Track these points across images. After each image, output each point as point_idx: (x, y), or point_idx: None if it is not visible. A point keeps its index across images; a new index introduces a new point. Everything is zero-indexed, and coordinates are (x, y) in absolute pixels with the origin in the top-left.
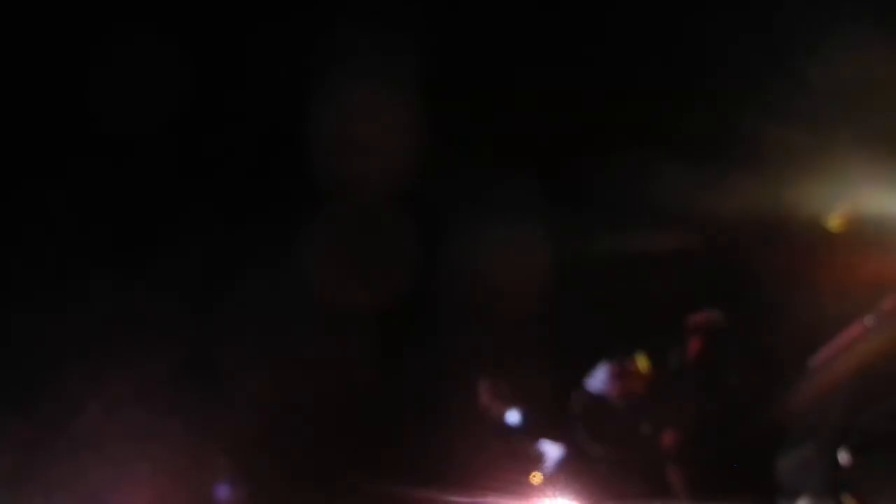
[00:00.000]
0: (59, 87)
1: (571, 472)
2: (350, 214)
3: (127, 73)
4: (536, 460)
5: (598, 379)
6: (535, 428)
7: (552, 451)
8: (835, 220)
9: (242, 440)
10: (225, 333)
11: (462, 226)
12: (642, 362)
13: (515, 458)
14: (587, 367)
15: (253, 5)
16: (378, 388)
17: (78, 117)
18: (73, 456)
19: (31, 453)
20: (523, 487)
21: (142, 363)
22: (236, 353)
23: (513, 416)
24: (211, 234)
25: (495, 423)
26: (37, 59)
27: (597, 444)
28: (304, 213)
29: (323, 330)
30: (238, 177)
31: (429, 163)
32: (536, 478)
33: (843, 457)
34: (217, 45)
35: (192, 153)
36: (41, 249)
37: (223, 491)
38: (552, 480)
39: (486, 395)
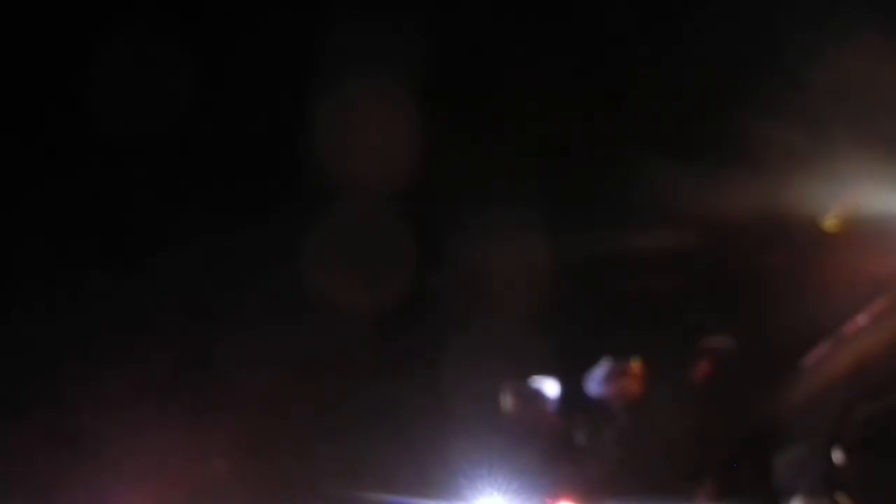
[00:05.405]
0: (58, 86)
1: (569, 472)
2: (351, 214)
3: (125, 72)
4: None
5: (596, 379)
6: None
7: (550, 388)
8: (831, 220)
9: (241, 442)
10: (224, 334)
11: (463, 226)
12: (639, 365)
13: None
14: (588, 367)
15: (252, 5)
16: (379, 390)
17: (77, 117)
18: (70, 458)
19: (28, 455)
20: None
21: (140, 364)
22: (235, 353)
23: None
24: (210, 234)
25: (530, 427)
26: (34, 59)
27: (594, 444)
28: (304, 212)
29: (324, 331)
30: (238, 176)
31: (430, 162)
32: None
33: (838, 456)
34: (216, 44)
35: (191, 153)
36: (39, 250)
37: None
38: (555, 416)
39: (513, 398)
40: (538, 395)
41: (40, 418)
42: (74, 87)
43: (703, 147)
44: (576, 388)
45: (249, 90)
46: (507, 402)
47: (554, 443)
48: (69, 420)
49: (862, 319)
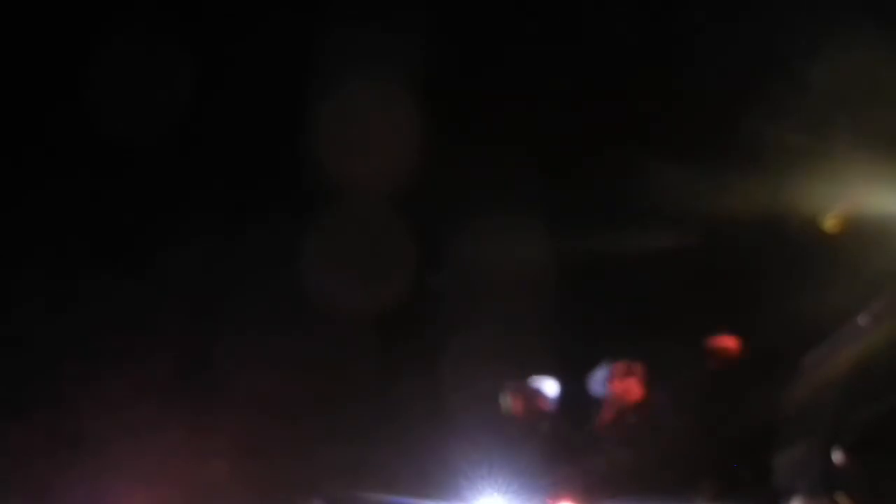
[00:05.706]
0: (60, 87)
1: (569, 472)
2: (351, 215)
3: (126, 73)
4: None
5: (597, 380)
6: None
7: (550, 388)
8: (831, 220)
9: (241, 442)
10: (224, 334)
11: (463, 227)
12: (640, 366)
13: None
14: (588, 368)
15: (252, 5)
16: (380, 390)
17: (79, 118)
18: (70, 458)
19: (28, 455)
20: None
21: (140, 364)
22: (235, 354)
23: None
24: (210, 235)
25: (530, 427)
26: (37, 59)
27: (594, 444)
28: (304, 213)
29: (324, 331)
30: (238, 177)
31: (430, 162)
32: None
33: (837, 455)
34: (216, 44)
35: (192, 153)
36: (40, 250)
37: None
38: (556, 417)
39: (513, 398)
40: (538, 395)
41: (40, 418)
42: (75, 87)
43: (705, 147)
44: (576, 388)
45: (250, 90)
46: (508, 402)
47: (554, 443)
48: (69, 420)
49: (862, 319)
